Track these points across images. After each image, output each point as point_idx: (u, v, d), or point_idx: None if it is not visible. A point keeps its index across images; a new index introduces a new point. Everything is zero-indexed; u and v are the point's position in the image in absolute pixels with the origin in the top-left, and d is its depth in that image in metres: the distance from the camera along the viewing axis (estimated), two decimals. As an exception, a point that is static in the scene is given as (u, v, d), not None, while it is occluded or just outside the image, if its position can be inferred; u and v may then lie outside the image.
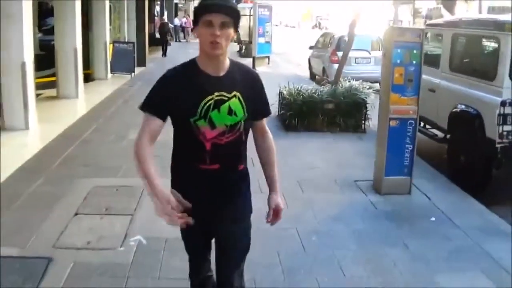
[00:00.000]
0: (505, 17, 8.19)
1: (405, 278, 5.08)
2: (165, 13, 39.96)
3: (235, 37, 3.12)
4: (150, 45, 26.11)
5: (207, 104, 3.05)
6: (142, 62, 22.14)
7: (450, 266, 5.37)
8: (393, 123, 7.16)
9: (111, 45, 19.36)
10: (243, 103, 3.15)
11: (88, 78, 17.00)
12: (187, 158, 3.21)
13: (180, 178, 3.27)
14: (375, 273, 5.15)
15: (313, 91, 11.34)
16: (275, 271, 5.07)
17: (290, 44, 37.22)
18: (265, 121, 3.43)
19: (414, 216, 6.65)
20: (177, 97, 3.05)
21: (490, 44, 7.99)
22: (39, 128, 10.88)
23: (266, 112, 3.42)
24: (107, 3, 19.07)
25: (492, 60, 7.62)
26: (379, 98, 7.67)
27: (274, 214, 3.33)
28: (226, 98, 3.10)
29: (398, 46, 7.04)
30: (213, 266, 3.55)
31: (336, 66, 14.26)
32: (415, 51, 7.07)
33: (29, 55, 10.74)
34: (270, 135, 3.45)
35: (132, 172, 7.43)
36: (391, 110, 7.15)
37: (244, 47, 28.87)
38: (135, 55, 19.97)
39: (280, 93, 11.69)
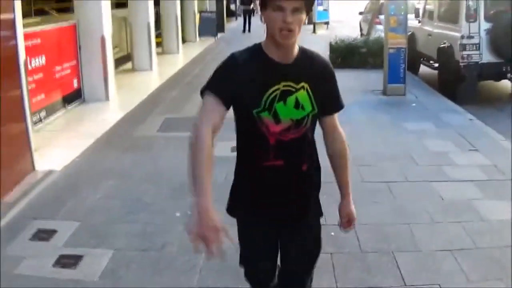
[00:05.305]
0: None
1: (385, 123, 9.56)
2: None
3: (306, 20, 2.82)
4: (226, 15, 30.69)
5: (272, 95, 2.71)
6: (221, 29, 26.72)
7: (414, 120, 9.71)
8: (391, 51, 11.57)
9: (198, 14, 23.97)
10: (312, 96, 2.78)
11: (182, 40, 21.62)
12: (250, 156, 2.89)
13: (243, 179, 2.95)
14: (370, 120, 9.68)
15: (352, 40, 15.78)
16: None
17: (351, 13, 40.73)
18: (336, 117, 3.01)
19: (403, 104, 11.08)
20: (240, 84, 2.68)
21: (456, 1, 12.08)
22: (158, 70, 15.61)
23: (336, 105, 3.00)
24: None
25: (456, 11, 11.83)
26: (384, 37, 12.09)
27: (347, 223, 3.08)
28: (294, 90, 2.74)
29: (392, 3, 11.50)
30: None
31: (378, 26, 18.52)
32: (402, 6, 11.46)
33: (152, 18, 15.48)
34: (342, 135, 3.02)
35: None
36: (389, 43, 11.56)
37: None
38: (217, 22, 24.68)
39: (330, 43, 16.03)
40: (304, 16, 2.62)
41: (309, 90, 2.77)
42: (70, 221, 5.50)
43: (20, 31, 6.67)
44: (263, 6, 2.63)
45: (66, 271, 4.57)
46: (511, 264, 4.56)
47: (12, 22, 6.38)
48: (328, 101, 2.91)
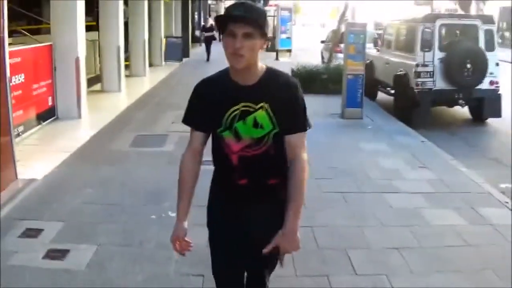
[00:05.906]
0: (419, 14, 13.33)
1: (343, 143, 10.29)
2: (201, 13, 44.69)
3: (265, 46, 2.86)
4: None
5: (232, 115, 2.90)
6: (186, 54, 27.32)
7: (369, 141, 10.44)
8: (350, 77, 12.36)
9: (165, 39, 24.59)
10: (272, 115, 2.90)
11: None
12: (219, 172, 3.16)
13: (216, 194, 3.21)
14: (329, 140, 10.32)
15: (314, 67, 16.61)
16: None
17: (314, 41, 41.78)
18: (299, 139, 2.96)
19: (360, 126, 11.83)
20: (205, 107, 2.96)
21: (412, 32, 12.98)
22: (126, 91, 16.15)
23: (294, 126, 2.96)
24: (162, 4, 24.42)
25: (412, 41, 12.71)
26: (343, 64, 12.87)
27: (274, 250, 2.95)
28: (252, 110, 2.89)
29: (351, 33, 12.30)
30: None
31: (339, 55, 19.34)
32: (361, 36, 12.27)
33: (121, 42, 16.04)
34: (301, 161, 2.94)
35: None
36: (348, 69, 12.35)
37: (269, 42, 33.56)
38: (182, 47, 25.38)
39: (292, 69, 16.79)
40: (257, 42, 2.78)
41: (269, 110, 2.90)
42: (55, 222, 6.02)
43: (7, 49, 7.15)
44: (222, 32, 2.82)
45: (55, 262, 5.11)
46: (511, 263, 5.26)
47: (2, 41, 6.88)
48: (287, 121, 2.94)
